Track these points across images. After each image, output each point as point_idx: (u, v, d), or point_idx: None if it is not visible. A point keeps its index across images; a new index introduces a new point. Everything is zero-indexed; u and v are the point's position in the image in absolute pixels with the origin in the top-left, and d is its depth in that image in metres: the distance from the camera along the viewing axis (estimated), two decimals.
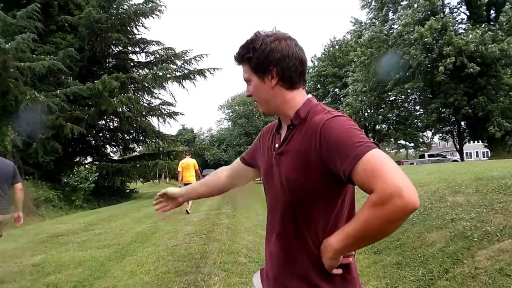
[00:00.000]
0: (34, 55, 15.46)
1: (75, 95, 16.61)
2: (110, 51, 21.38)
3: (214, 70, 22.09)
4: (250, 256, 4.88)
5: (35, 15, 15.87)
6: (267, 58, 1.13)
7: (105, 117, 20.25)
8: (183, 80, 21.94)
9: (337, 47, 38.68)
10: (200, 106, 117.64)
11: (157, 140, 23.21)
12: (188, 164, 9.98)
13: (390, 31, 25.72)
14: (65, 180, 16.51)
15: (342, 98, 34.92)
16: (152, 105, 23.04)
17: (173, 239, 6.29)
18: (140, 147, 26.14)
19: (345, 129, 1.01)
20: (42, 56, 15.67)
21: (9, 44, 13.88)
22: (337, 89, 38.40)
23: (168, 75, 21.43)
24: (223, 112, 54.84)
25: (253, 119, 45.35)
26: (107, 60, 21.75)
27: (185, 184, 9.44)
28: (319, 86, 38.63)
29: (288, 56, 1.13)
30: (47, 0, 17.69)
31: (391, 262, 4.05)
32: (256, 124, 44.01)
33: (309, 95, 1.22)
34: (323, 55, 39.74)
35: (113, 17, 19.22)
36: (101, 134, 21.83)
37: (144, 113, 21.35)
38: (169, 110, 23.13)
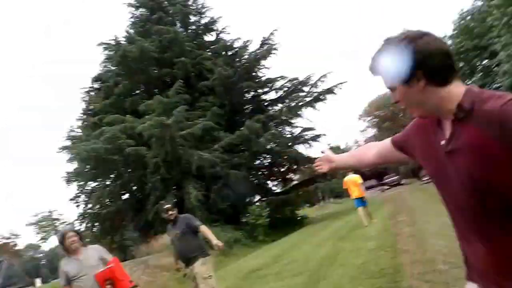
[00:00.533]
0: (189, 122, 18.20)
1: (229, 145, 18.65)
2: (245, 98, 23.43)
3: (340, 85, 21.96)
4: (449, 262, 4.47)
5: (181, 90, 18.79)
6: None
7: (258, 157, 22.03)
8: (315, 103, 22.30)
9: (468, 18, 33.95)
10: (340, 121, 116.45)
11: (310, 165, 23.81)
12: (352, 180, 10.40)
13: None
14: (244, 220, 18.25)
15: (495, 68, 29.95)
16: (295, 134, 23.93)
17: (358, 257, 6.26)
18: (297, 175, 27.16)
19: None
20: (195, 121, 18.33)
21: (170, 119, 16.69)
22: (485, 61, 33.24)
23: (300, 103, 22.17)
24: (364, 120, 53.15)
25: (398, 118, 42.61)
26: (245, 107, 23.82)
27: (356, 199, 10.30)
28: (462, 64, 34.10)
29: (430, 54, 1.04)
30: (186, 74, 20.73)
31: None
32: (402, 123, 41.23)
33: (469, 84, 1.11)
34: (455, 32, 35.32)
35: (238, 69, 21.23)
36: (260, 173, 23.67)
37: (290, 144, 22.38)
38: (312, 134, 23.63)
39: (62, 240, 3.76)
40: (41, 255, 61.56)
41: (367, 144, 1.65)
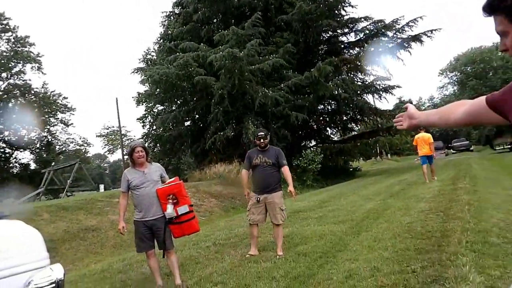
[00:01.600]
0: (260, 57, 17.94)
1: (296, 86, 18.28)
2: (321, 38, 22.41)
3: (431, 33, 19.90)
4: (504, 237, 4.21)
5: (258, 22, 18.36)
6: None
7: (323, 102, 21.49)
8: (397, 51, 20.74)
9: None
10: (417, 74, 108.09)
11: (375, 117, 22.88)
12: (423, 138, 10.56)
13: None
14: (296, 163, 18.46)
15: None
16: (366, 82, 22.82)
17: (406, 216, 6.12)
18: (359, 126, 26.39)
19: None
20: (267, 56, 18.03)
21: (242, 52, 16.57)
22: None
23: (380, 49, 20.72)
24: (445, 76, 48.83)
25: (487, 78, 38.39)
26: (319, 48, 22.86)
27: (421, 157, 10.74)
28: None
29: None
30: (266, 6, 20.08)
31: None
32: (492, 84, 37.12)
33: None
34: None
35: (321, 5, 19.99)
36: (321, 118, 23.30)
37: (359, 92, 21.43)
38: (384, 84, 22.36)
39: (131, 152, 4.07)
40: (106, 165, 68.38)
41: (455, 102, 1.49)
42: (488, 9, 1.03)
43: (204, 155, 20.20)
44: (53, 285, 1.53)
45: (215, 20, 21.94)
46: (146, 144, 24.21)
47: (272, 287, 3.64)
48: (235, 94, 17.50)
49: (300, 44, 20.13)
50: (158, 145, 24.07)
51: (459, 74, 44.01)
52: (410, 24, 20.33)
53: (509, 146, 29.46)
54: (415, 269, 3.51)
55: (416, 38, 20.17)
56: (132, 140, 45.57)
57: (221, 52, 16.64)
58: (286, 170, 4.99)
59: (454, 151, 37.14)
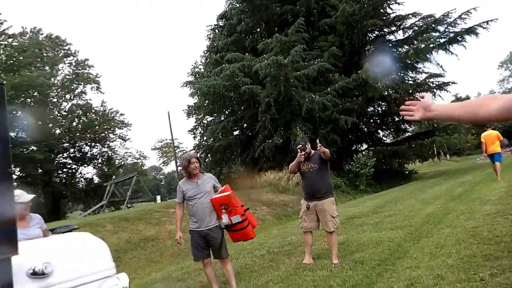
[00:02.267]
0: (305, 63, 17.88)
1: (343, 89, 17.95)
2: (367, 38, 21.89)
3: (487, 24, 18.66)
4: None
5: (301, 28, 18.35)
6: None
7: (373, 104, 20.88)
8: (450, 46, 19.68)
9: None
10: (474, 68, 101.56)
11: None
12: (490, 135, 10.43)
13: None
14: (348, 167, 18.03)
15: None
16: (418, 81, 21.85)
17: (470, 220, 5.74)
18: (412, 126, 25.25)
19: None
20: (312, 61, 17.93)
21: (286, 59, 16.62)
22: None
23: (431, 45, 19.78)
24: (505, 69, 45.48)
25: None
26: (366, 48, 22.30)
27: (489, 155, 10.54)
28: None
29: None
30: (308, 11, 20.02)
31: None
32: None
33: None
34: None
35: (365, 5, 19.56)
36: (371, 121, 22.64)
37: (410, 91, 20.54)
38: (438, 82, 21.29)
39: (187, 164, 4.20)
40: (161, 176, 71.22)
41: (486, 96, 1.37)
42: None
43: (254, 163, 20.38)
44: None
45: (258, 30, 22.26)
46: (198, 155, 25.05)
47: None
48: (281, 101, 17.54)
49: (345, 47, 19.79)
50: (209, 155, 24.70)
51: None
52: (463, 16, 19.23)
53: None
54: (483, 277, 3.28)
55: (471, 30, 19.02)
56: (184, 151, 47.20)
57: (265, 61, 16.80)
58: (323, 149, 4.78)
59: None
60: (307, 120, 17.90)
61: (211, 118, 26.11)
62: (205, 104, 22.90)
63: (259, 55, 18.67)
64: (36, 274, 1.46)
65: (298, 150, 4.80)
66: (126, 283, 1.67)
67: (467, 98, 54.86)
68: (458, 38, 19.48)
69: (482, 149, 10.92)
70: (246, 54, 19.40)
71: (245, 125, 22.46)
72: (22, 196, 3.01)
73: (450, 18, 19.74)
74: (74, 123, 33.23)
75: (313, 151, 4.92)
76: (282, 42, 17.80)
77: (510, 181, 9.79)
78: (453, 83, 21.12)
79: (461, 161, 37.93)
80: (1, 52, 28.11)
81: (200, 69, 29.34)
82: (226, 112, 22.70)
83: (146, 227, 9.77)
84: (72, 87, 33.65)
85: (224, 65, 19.25)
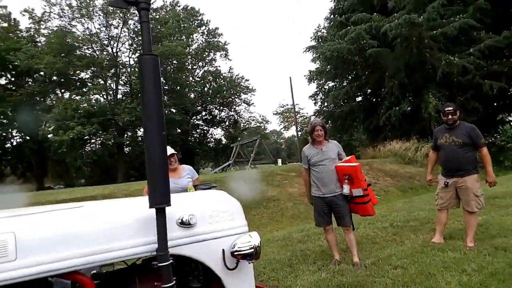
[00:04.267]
0: (443, 20, 15.78)
1: (490, 49, 15.44)
2: None
3: None
4: None
5: None
6: None
7: None
8: None
9: None
10: None
11: None
12: None
13: None
14: (491, 140, 15.78)
15: None
16: None
17: None
18: None
19: None
20: (452, 18, 15.70)
21: (421, 17, 14.92)
22: None
23: None
24: None
25: None
26: None
27: None
28: None
29: None
30: None
31: None
32: None
33: None
34: None
35: None
36: None
37: None
38: None
39: (312, 130, 4.23)
40: (282, 140, 73.59)
41: None
42: None
43: (377, 131, 19.42)
44: (252, 250, 1.73)
45: None
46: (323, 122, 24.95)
47: (462, 280, 3.28)
48: (412, 64, 16.02)
49: None
50: (329, 121, 24.37)
51: None
52: None
53: None
54: None
55: None
56: (305, 117, 47.49)
57: (396, 20, 15.40)
58: (484, 151, 4.27)
59: None
60: (442, 86, 16.07)
61: (333, 84, 25.49)
62: (327, 69, 22.39)
63: (389, 14, 17.16)
64: (183, 224, 1.66)
65: (445, 114, 4.31)
66: (257, 241, 1.78)
67: None
68: None
69: None
70: (374, 14, 18.03)
71: (369, 90, 21.35)
72: (168, 150, 3.48)
73: None
74: (206, 88, 36.30)
75: (458, 122, 4.39)
76: None
77: None
78: None
79: None
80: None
81: (324, 33, 28.49)
82: (349, 77, 21.85)
83: (268, 188, 10.31)
84: (204, 55, 36.48)
85: (349, 27, 18.31)
